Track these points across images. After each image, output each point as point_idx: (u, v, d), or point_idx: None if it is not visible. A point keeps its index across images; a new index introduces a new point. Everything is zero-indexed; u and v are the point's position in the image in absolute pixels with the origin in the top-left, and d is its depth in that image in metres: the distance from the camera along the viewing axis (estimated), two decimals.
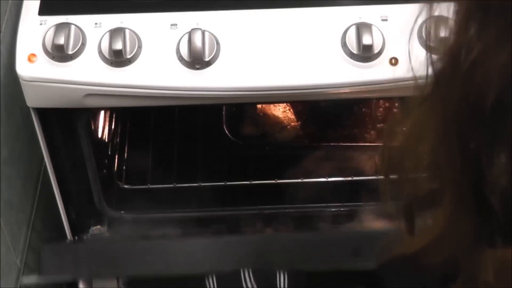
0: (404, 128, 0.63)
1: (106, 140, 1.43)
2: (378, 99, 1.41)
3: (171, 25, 1.05)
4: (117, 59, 1.02)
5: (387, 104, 1.49)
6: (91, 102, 1.06)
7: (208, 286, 1.24)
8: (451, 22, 0.55)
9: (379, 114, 1.49)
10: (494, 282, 0.55)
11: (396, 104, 1.48)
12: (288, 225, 1.45)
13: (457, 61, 0.53)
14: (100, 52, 1.03)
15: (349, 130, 1.49)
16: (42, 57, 1.03)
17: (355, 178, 1.46)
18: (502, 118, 0.51)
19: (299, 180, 1.45)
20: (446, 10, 0.56)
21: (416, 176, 0.63)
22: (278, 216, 1.45)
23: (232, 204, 1.46)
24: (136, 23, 1.05)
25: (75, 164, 1.26)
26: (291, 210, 1.46)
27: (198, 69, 1.03)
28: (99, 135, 1.39)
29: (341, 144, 1.48)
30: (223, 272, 1.24)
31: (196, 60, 1.02)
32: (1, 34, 1.12)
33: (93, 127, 1.34)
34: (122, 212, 1.42)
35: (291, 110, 1.49)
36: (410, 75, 1.08)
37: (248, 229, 1.43)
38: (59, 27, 1.03)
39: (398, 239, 0.66)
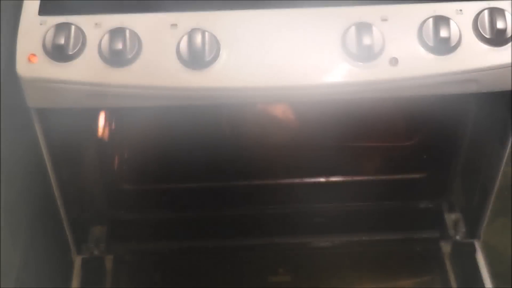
0: None
1: (106, 140, 1.43)
2: (378, 99, 1.41)
3: (171, 25, 1.05)
4: (117, 59, 1.02)
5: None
6: (91, 102, 1.06)
7: None
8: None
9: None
10: None
11: None
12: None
13: None
14: (100, 52, 1.03)
15: (351, 129, 1.49)
16: (42, 57, 1.03)
17: (355, 178, 1.46)
18: None
19: (299, 180, 1.45)
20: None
21: None
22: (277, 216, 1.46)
23: (232, 204, 1.46)
24: (136, 23, 1.05)
25: (76, 164, 1.26)
26: (291, 210, 1.47)
27: (198, 69, 1.03)
28: (99, 135, 1.40)
29: (342, 144, 1.48)
30: None
31: (196, 60, 1.02)
32: (1, 34, 1.12)
33: (93, 127, 1.34)
34: (123, 212, 1.42)
35: (291, 110, 1.49)
36: (410, 75, 1.08)
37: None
38: (59, 27, 1.03)
39: None
